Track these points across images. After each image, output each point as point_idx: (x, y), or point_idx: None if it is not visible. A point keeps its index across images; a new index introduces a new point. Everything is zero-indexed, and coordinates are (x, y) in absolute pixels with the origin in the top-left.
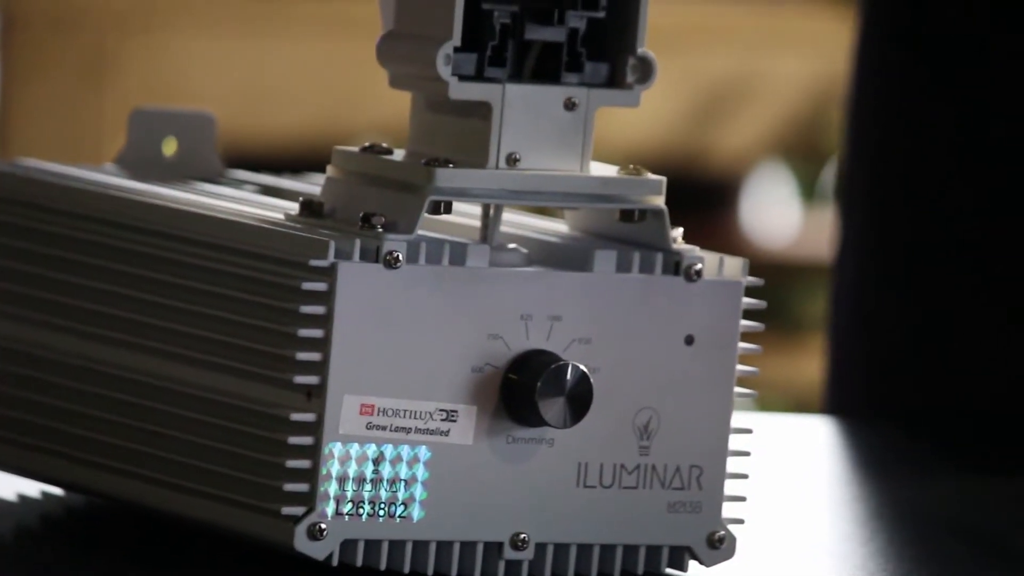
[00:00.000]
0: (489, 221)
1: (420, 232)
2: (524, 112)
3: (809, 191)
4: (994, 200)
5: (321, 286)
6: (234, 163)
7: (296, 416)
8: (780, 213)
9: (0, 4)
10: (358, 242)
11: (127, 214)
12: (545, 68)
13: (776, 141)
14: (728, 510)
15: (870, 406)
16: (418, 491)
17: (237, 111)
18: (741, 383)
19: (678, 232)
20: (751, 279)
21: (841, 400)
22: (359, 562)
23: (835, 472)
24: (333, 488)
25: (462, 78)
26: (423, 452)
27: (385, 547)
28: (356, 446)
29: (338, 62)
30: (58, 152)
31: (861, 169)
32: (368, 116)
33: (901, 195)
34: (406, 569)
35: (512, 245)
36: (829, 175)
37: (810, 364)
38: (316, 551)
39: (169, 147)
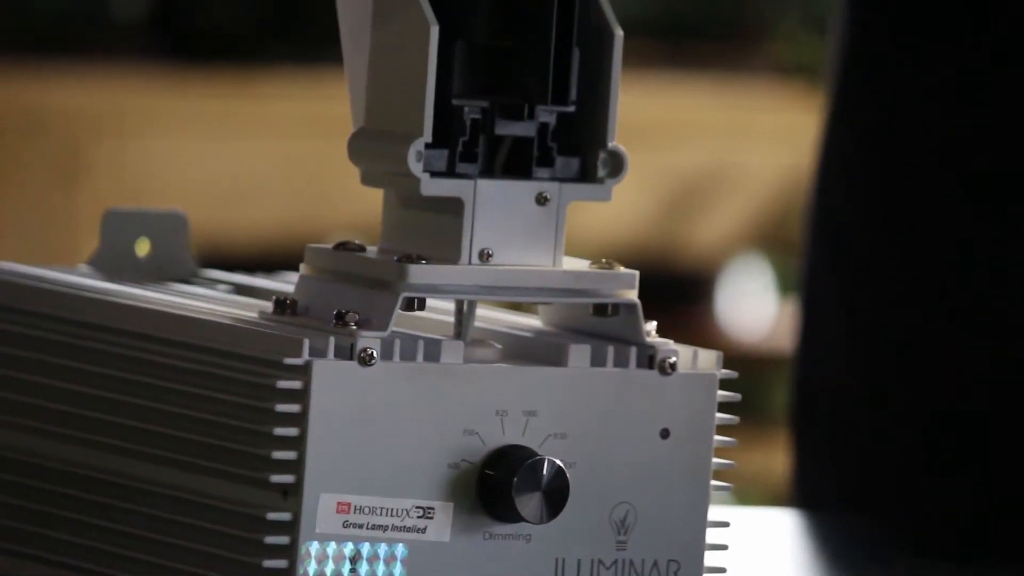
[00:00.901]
0: (463, 317)
1: (394, 329)
2: (496, 207)
3: (784, 283)
4: (958, 293)
5: (296, 384)
6: (207, 262)
7: (272, 515)
8: (755, 305)
9: None
10: (332, 340)
11: (101, 315)
12: (516, 163)
13: (750, 233)
14: None
15: (839, 499)
16: None
17: (210, 211)
18: (717, 476)
19: (652, 325)
20: (725, 371)
21: (810, 493)
22: None
23: (806, 565)
24: None
25: (434, 174)
26: (400, 550)
27: None
28: (333, 545)
29: (310, 160)
30: (32, 254)
31: (824, 261)
32: (341, 214)
33: (864, 287)
34: None
35: (486, 341)
36: None
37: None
38: None
39: (142, 247)
